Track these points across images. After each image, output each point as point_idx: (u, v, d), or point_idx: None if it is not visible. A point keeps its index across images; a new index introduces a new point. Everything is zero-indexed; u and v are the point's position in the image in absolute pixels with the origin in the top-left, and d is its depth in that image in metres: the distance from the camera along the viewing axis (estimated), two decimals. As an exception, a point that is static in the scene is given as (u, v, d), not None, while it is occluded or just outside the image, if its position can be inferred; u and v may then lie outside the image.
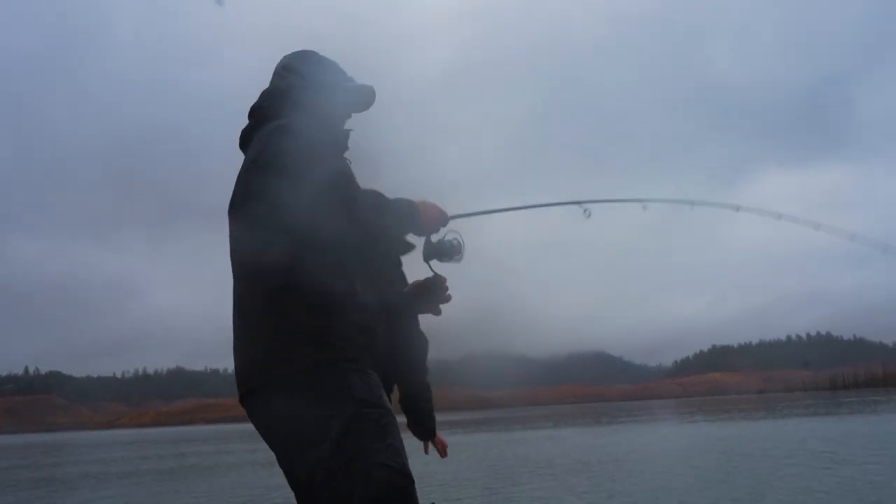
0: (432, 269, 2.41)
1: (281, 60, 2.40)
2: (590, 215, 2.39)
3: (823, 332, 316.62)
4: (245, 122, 2.28)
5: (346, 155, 2.30)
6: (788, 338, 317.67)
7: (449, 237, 2.36)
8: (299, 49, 2.42)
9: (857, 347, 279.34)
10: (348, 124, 2.35)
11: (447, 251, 2.36)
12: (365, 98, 2.37)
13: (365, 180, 2.14)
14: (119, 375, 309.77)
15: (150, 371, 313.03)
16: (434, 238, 2.36)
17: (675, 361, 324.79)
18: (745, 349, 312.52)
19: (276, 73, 2.39)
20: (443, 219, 2.32)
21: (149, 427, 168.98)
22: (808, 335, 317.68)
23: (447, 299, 2.42)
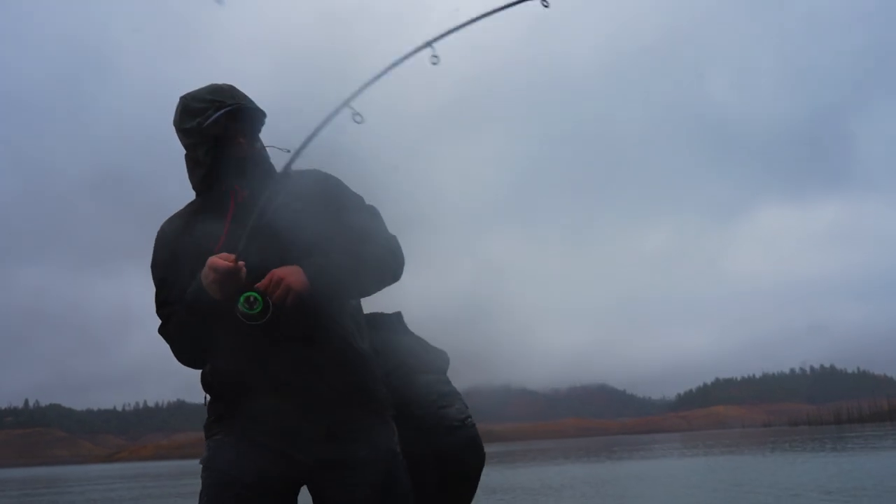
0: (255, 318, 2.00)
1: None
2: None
3: (827, 365, 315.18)
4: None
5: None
6: (792, 371, 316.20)
7: (241, 302, 1.99)
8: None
9: (861, 380, 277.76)
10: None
11: (244, 317, 1.99)
12: (242, 122, 2.23)
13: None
14: (119, 408, 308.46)
15: (151, 404, 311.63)
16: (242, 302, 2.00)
17: (679, 394, 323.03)
18: (749, 382, 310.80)
19: None
20: (215, 283, 2.00)
21: (149, 461, 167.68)
22: (812, 368, 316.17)
23: (278, 300, 2.01)
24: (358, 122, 1.97)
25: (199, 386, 2.25)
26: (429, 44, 1.98)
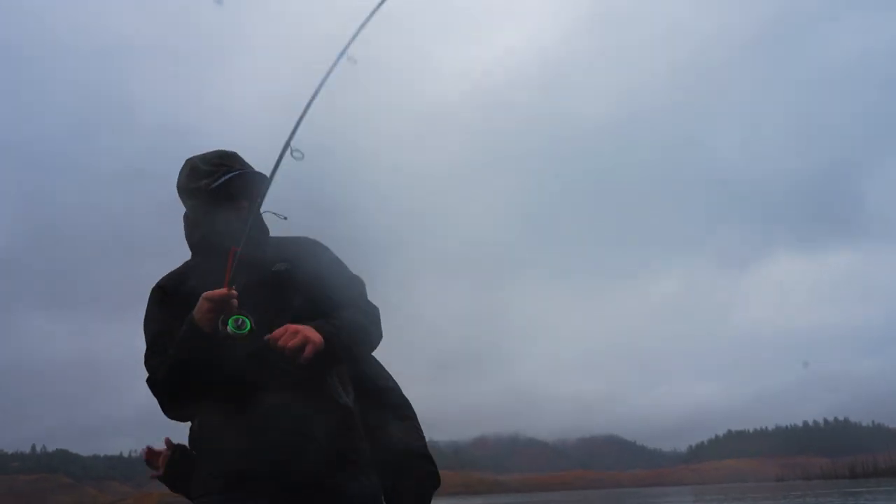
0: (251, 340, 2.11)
1: None
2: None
3: (841, 418, 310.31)
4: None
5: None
6: (805, 423, 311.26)
7: (228, 324, 2.10)
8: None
9: (877, 434, 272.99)
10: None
11: (236, 338, 2.08)
12: (247, 187, 2.32)
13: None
14: (126, 454, 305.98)
15: (159, 451, 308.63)
16: (220, 331, 2.10)
17: (690, 446, 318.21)
18: (762, 435, 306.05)
19: None
20: (208, 311, 2.09)
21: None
22: (826, 420, 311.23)
23: (293, 351, 2.09)
24: (297, 159, 2.10)
25: None
26: (343, 53, 2.09)
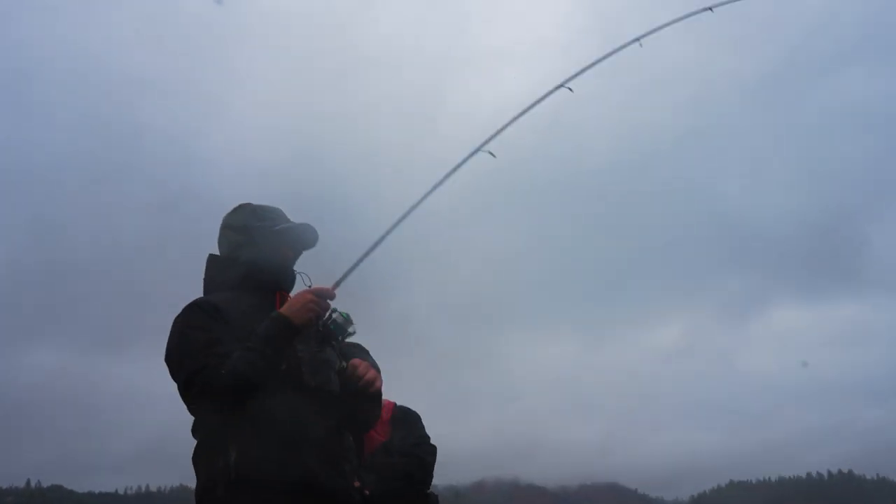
0: (339, 358, 2.33)
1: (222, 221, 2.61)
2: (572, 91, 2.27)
3: (845, 470, 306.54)
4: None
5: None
6: (809, 475, 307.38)
7: (334, 315, 2.29)
8: (233, 209, 2.60)
9: (881, 487, 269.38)
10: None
11: (333, 333, 2.29)
12: (302, 236, 2.51)
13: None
14: (122, 492, 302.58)
15: (153, 488, 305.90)
16: (321, 322, 2.29)
17: (693, 496, 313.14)
18: (765, 486, 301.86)
19: (219, 236, 2.61)
20: (314, 303, 2.26)
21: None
22: (830, 473, 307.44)
23: (369, 385, 2.35)
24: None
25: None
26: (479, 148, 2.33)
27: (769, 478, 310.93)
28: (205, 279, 2.51)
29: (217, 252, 2.57)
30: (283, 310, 2.23)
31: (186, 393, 2.25)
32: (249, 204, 2.55)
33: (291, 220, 2.56)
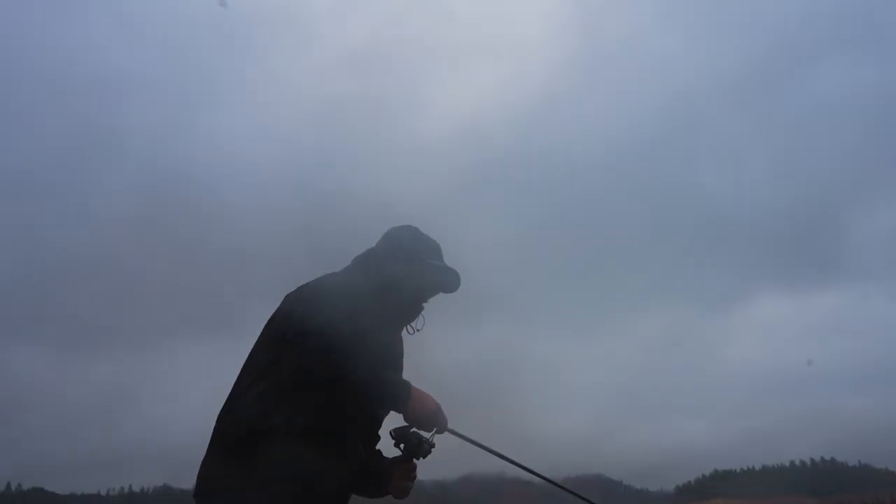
0: (401, 450, 2.46)
1: (388, 230, 2.74)
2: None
3: (828, 458, 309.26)
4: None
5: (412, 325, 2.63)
6: (792, 463, 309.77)
7: (428, 443, 2.42)
8: (402, 225, 2.75)
9: (863, 474, 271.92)
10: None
11: (411, 450, 2.43)
12: (445, 279, 2.64)
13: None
14: (104, 493, 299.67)
15: (136, 489, 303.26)
16: (413, 429, 2.40)
17: (677, 486, 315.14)
18: (749, 474, 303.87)
19: (380, 239, 2.74)
20: (434, 421, 2.38)
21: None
22: (813, 460, 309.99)
23: (403, 490, 2.55)
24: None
25: (187, 471, 2.38)
26: None
27: (753, 467, 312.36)
28: (347, 272, 2.62)
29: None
30: (415, 396, 2.35)
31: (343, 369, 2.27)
32: (417, 229, 2.70)
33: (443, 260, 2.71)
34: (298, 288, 2.52)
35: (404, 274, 2.56)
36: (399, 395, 2.34)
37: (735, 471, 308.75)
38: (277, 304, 2.48)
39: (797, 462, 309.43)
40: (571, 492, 2.94)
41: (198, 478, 2.35)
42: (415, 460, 2.47)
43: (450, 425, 2.47)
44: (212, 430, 2.41)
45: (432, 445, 2.46)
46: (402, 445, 2.45)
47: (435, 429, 2.42)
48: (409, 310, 2.62)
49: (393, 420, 2.49)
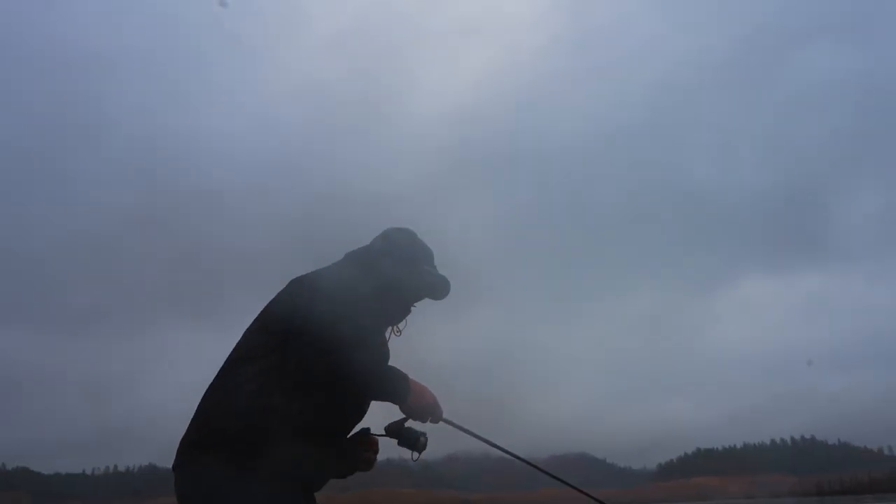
0: (398, 445, 2.51)
1: (386, 229, 2.78)
2: None
3: (808, 437, 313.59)
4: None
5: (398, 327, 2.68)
6: (773, 441, 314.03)
7: (424, 438, 2.48)
8: (401, 227, 2.79)
9: (843, 452, 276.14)
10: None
11: (407, 443, 2.48)
12: (436, 286, 2.68)
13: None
14: (89, 472, 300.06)
15: (122, 468, 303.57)
16: (408, 423, 2.47)
17: (660, 464, 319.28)
18: (730, 452, 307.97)
19: (376, 237, 2.76)
20: (431, 414, 2.45)
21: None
22: (793, 439, 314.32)
23: (368, 463, 2.61)
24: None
25: (169, 451, 2.34)
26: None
27: (735, 445, 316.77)
28: (344, 267, 2.64)
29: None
30: (414, 390, 2.40)
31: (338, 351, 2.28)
32: (414, 233, 2.76)
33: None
34: (299, 279, 2.53)
35: (404, 277, 2.61)
36: (400, 390, 2.37)
37: (717, 449, 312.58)
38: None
39: (778, 441, 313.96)
40: (556, 477, 3.06)
41: (181, 451, 2.34)
42: (413, 455, 2.51)
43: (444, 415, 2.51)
44: (198, 407, 2.41)
45: (423, 445, 2.51)
46: (398, 441, 2.50)
47: (430, 419, 2.46)
48: (399, 312, 2.68)
49: (385, 414, 2.51)
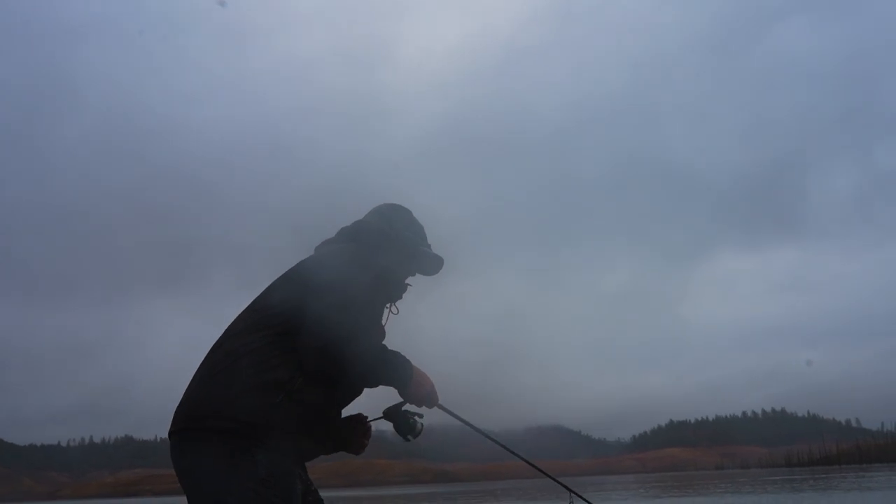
0: (394, 429, 2.51)
1: (380, 205, 2.79)
2: None
3: (778, 409, 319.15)
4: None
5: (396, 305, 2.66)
6: (744, 414, 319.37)
7: (421, 422, 2.52)
8: (395, 203, 2.79)
9: (811, 424, 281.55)
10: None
11: (403, 428, 2.49)
12: (430, 264, 2.71)
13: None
14: (64, 444, 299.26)
15: (97, 440, 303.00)
16: (405, 406, 2.48)
17: (634, 436, 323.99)
18: (702, 424, 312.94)
19: (371, 212, 2.77)
20: (429, 400, 2.46)
21: (92, 498, 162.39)
22: (764, 411, 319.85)
23: (362, 447, 2.63)
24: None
25: (146, 423, 2.43)
26: None
27: (707, 417, 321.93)
28: (342, 247, 2.62)
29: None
30: (415, 376, 2.42)
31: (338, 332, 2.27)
32: (409, 211, 2.77)
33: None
34: (299, 264, 2.54)
35: (405, 260, 2.64)
36: (404, 376, 2.39)
37: (689, 421, 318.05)
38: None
39: (749, 413, 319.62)
40: (534, 465, 3.13)
41: (181, 418, 2.31)
42: (407, 438, 2.52)
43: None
44: (199, 372, 2.39)
45: (419, 430, 2.54)
46: (394, 425, 2.50)
47: (424, 404, 2.48)
48: (397, 291, 2.67)
49: (375, 396, 2.52)
